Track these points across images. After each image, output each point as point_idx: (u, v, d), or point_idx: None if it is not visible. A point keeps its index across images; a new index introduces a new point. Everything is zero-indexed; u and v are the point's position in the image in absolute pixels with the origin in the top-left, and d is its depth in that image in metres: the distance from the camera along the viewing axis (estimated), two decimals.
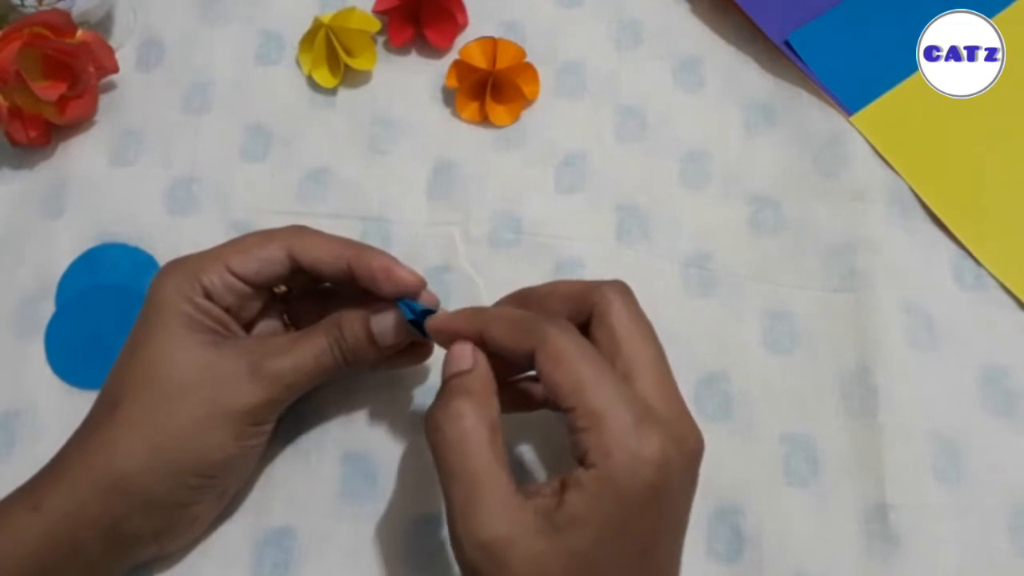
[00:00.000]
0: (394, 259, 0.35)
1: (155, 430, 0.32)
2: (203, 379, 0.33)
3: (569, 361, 0.29)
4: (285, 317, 0.39)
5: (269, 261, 0.35)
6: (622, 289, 0.33)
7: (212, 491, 0.34)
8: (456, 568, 0.33)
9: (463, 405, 0.30)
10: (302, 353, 0.34)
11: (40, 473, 0.33)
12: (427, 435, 0.30)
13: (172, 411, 0.33)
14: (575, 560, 0.28)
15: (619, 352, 0.31)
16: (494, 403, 0.31)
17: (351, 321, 0.35)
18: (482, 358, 0.32)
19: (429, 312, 0.34)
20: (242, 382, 0.33)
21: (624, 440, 0.28)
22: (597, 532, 0.28)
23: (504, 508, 0.28)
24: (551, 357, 0.29)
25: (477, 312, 0.33)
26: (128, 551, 0.34)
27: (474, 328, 0.32)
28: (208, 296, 0.34)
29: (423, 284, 0.35)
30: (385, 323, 0.35)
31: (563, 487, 0.29)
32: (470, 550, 0.28)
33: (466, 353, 0.32)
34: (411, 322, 0.34)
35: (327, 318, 0.35)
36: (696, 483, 0.31)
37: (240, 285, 0.35)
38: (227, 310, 0.35)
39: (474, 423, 0.30)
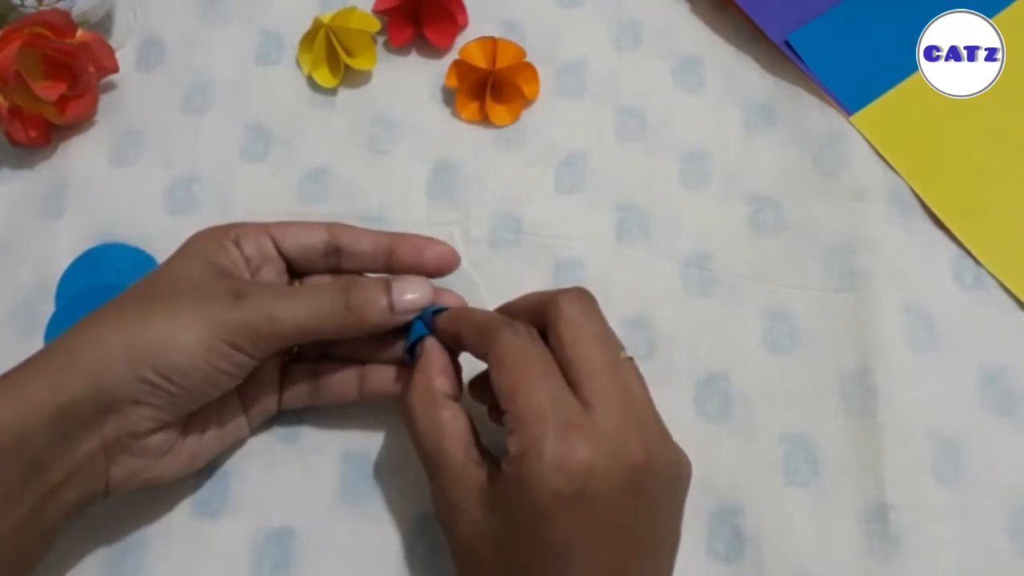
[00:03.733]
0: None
1: (131, 320, 0.32)
2: (193, 289, 0.33)
3: (509, 365, 0.31)
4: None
5: (308, 231, 0.37)
6: (576, 297, 0.32)
7: (163, 396, 0.32)
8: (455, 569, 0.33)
9: (409, 398, 0.33)
10: (298, 294, 0.34)
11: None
12: None
13: (154, 308, 0.33)
14: (498, 541, 0.30)
15: (568, 360, 0.31)
16: (436, 384, 0.33)
17: (368, 280, 0.35)
18: (429, 345, 0.34)
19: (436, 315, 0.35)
20: (226, 298, 0.33)
21: (538, 446, 0.29)
22: (510, 526, 0.29)
23: (452, 479, 0.31)
24: (496, 359, 0.31)
25: (458, 313, 0.35)
26: (75, 455, 0.32)
27: (452, 329, 0.34)
28: (237, 245, 0.36)
29: (459, 259, 0.37)
30: (408, 285, 0.35)
31: (498, 471, 0.30)
32: (436, 515, 0.33)
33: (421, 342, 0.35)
34: (409, 349, 0.35)
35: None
36: (653, 498, 0.30)
37: (271, 249, 0.36)
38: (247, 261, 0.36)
39: (419, 411, 0.33)
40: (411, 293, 0.34)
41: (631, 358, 0.32)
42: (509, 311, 0.34)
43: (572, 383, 0.30)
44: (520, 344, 0.31)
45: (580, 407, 0.30)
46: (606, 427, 0.29)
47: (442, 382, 0.33)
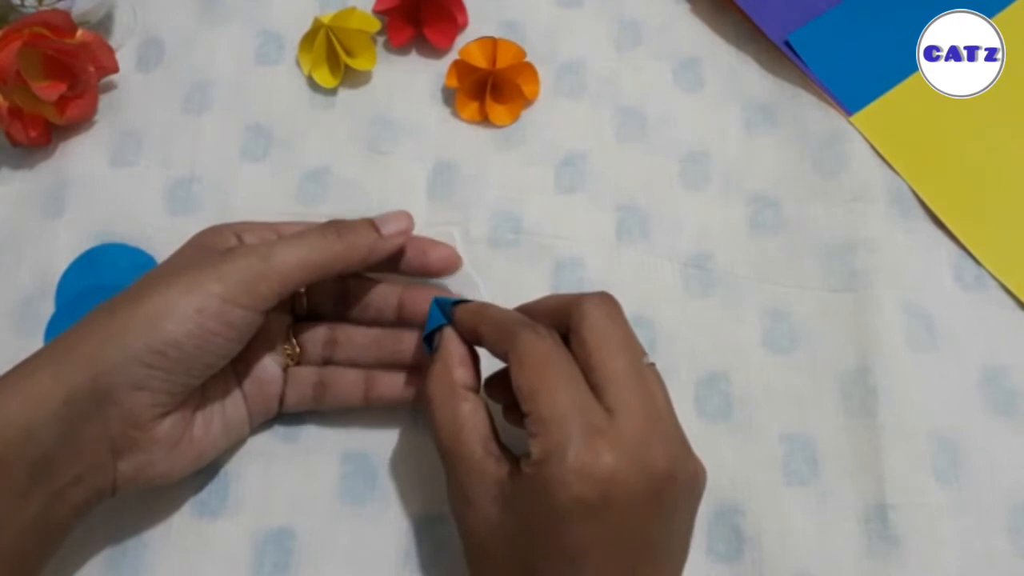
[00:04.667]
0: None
1: (123, 306, 0.32)
2: (185, 266, 0.34)
3: (532, 366, 0.30)
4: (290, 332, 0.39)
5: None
6: (600, 301, 0.32)
7: (160, 375, 0.32)
8: (456, 570, 0.33)
9: (429, 390, 0.33)
10: (289, 237, 0.35)
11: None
12: None
13: (143, 290, 0.33)
14: (511, 540, 0.30)
15: (591, 365, 0.31)
16: (456, 375, 0.33)
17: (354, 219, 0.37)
18: (448, 336, 0.34)
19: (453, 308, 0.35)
20: (215, 257, 0.33)
21: (562, 450, 0.28)
22: (526, 527, 0.29)
23: (469, 474, 0.31)
24: (517, 360, 0.31)
25: (479, 309, 0.34)
26: (82, 452, 0.32)
27: (471, 325, 0.34)
28: (238, 237, 0.36)
29: (461, 261, 0.38)
30: (390, 215, 0.36)
31: (517, 470, 0.30)
32: (451, 510, 0.32)
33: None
34: (426, 339, 0.35)
35: None
36: (671, 507, 0.30)
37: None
38: None
39: (438, 403, 0.32)
40: (395, 221, 0.36)
41: (653, 364, 0.32)
42: (528, 312, 0.34)
43: (595, 389, 0.30)
44: (542, 346, 0.31)
45: (604, 413, 0.29)
46: (630, 434, 0.29)
47: (462, 373, 0.33)
